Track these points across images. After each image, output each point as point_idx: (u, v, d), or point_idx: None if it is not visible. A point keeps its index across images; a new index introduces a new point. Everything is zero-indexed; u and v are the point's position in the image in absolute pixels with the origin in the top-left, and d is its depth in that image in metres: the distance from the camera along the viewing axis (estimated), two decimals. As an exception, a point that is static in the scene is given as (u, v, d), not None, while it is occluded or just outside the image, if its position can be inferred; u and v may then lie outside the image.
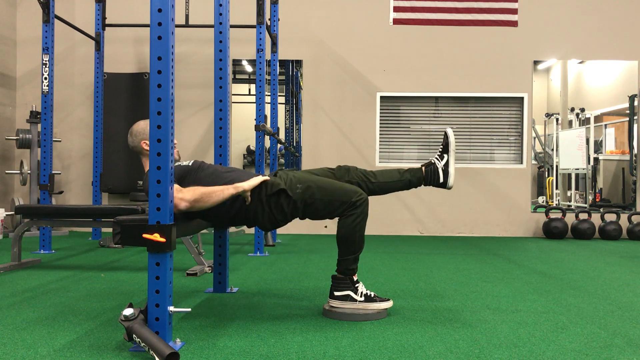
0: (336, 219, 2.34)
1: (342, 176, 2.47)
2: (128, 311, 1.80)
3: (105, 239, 4.78)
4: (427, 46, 6.36)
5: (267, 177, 2.33)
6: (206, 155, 6.21)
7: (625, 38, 6.33)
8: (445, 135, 2.47)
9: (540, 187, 8.11)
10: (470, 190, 6.29)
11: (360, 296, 2.30)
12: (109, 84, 6.00)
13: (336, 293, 2.31)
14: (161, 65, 1.79)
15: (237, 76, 7.20)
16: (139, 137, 2.45)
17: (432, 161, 2.47)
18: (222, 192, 2.19)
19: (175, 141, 2.49)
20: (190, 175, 2.33)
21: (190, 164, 2.39)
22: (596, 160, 7.42)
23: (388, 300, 2.34)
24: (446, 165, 2.43)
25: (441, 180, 2.43)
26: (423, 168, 2.47)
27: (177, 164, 2.40)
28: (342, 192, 2.28)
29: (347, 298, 2.30)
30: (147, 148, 2.42)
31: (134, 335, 1.76)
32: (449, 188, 2.46)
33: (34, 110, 5.53)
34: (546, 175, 8.19)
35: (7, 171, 5.88)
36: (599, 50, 6.39)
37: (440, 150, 2.48)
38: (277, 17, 5.17)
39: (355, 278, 2.33)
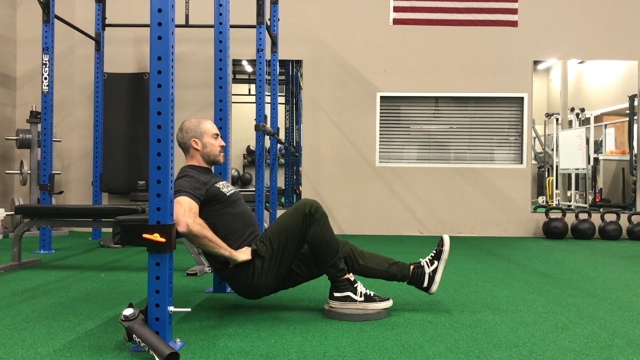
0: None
1: None
2: (128, 311, 1.80)
3: (105, 239, 4.78)
4: (427, 46, 6.36)
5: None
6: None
7: (625, 38, 6.33)
8: (441, 243, 2.46)
9: (540, 187, 8.11)
10: (470, 190, 6.29)
11: (360, 296, 2.30)
12: (109, 84, 6.00)
13: (336, 294, 2.31)
14: (161, 65, 1.79)
15: (237, 76, 7.20)
16: (190, 135, 2.41)
17: (422, 264, 2.45)
18: (218, 248, 2.18)
19: (223, 143, 2.48)
20: (218, 205, 2.31)
21: (228, 194, 2.36)
22: (596, 160, 7.42)
23: (388, 299, 2.35)
24: (434, 272, 2.43)
25: (425, 285, 2.43)
26: (411, 268, 2.45)
27: (219, 184, 2.36)
28: (294, 215, 2.28)
29: (347, 299, 2.30)
30: (196, 147, 2.41)
31: (134, 335, 1.76)
32: (431, 294, 2.46)
33: (34, 110, 5.53)
34: (546, 175, 8.19)
35: (7, 171, 5.88)
36: (599, 50, 6.39)
37: (432, 255, 2.46)
38: (277, 17, 5.17)
39: (352, 278, 2.33)
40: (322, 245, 2.28)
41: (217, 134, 2.47)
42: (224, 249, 2.19)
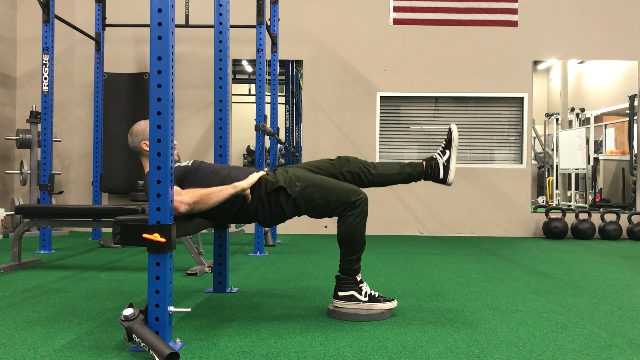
0: (335, 218, 2.33)
1: (342, 166, 2.46)
2: (128, 311, 1.80)
3: (105, 239, 4.78)
4: (427, 46, 6.36)
5: (263, 173, 2.33)
6: (206, 155, 6.21)
7: (625, 38, 6.33)
8: (449, 132, 2.44)
9: (540, 187, 8.11)
10: (470, 190, 6.29)
11: (365, 296, 2.30)
12: (109, 84, 6.00)
13: (340, 293, 2.31)
14: (161, 65, 1.79)
15: (237, 76, 7.20)
16: (139, 138, 2.43)
17: (434, 156, 2.44)
18: (221, 192, 2.19)
19: (175, 142, 2.50)
20: (189, 176, 2.33)
21: (189, 164, 2.39)
22: (596, 160, 7.42)
23: (392, 300, 2.34)
24: (448, 161, 2.41)
25: (441, 175, 2.41)
26: (424, 162, 2.45)
27: (176, 164, 2.39)
28: (341, 192, 2.28)
29: (351, 298, 2.30)
30: (147, 149, 2.41)
31: (134, 335, 1.76)
32: (449, 184, 2.44)
33: (34, 110, 5.53)
34: (546, 175, 8.19)
35: (7, 171, 5.88)
36: (599, 50, 6.38)
37: (443, 145, 2.45)
38: (277, 17, 5.17)
39: (359, 278, 2.33)
40: (349, 240, 2.27)
41: None
42: (226, 189, 2.20)
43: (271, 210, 2.31)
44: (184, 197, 2.12)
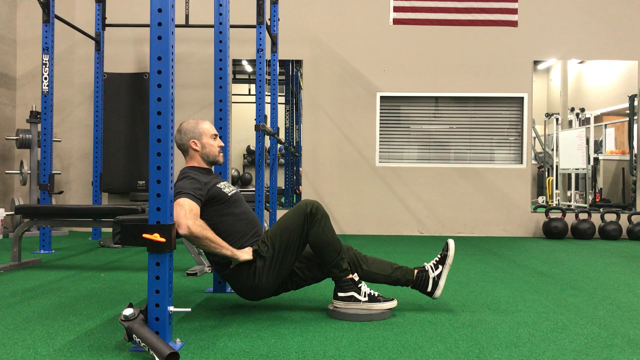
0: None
1: None
2: (128, 311, 1.80)
3: (105, 239, 4.78)
4: (427, 46, 6.36)
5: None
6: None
7: (625, 38, 6.33)
8: (446, 247, 2.45)
9: (540, 187, 8.11)
10: (470, 190, 6.29)
11: (364, 296, 2.30)
12: (109, 84, 6.00)
13: (340, 294, 2.31)
14: (161, 65, 1.79)
15: (237, 76, 7.20)
16: (189, 136, 2.41)
17: (426, 269, 2.44)
18: (220, 248, 2.18)
19: (222, 143, 2.48)
20: (220, 205, 2.31)
21: (229, 194, 2.36)
22: (596, 160, 7.42)
23: (392, 300, 2.34)
24: (438, 276, 2.42)
25: (429, 289, 2.42)
26: (415, 272, 2.44)
27: (221, 184, 2.37)
28: (295, 215, 2.29)
29: (351, 299, 2.30)
30: (196, 147, 2.40)
31: (134, 335, 1.76)
32: (434, 298, 2.45)
33: (34, 110, 5.53)
34: (546, 175, 8.19)
35: (7, 171, 5.87)
36: (599, 50, 6.38)
37: (437, 260, 2.45)
38: (277, 17, 5.17)
39: (356, 278, 2.33)
40: (324, 246, 2.28)
41: (216, 134, 2.46)
42: (226, 249, 2.19)
43: (250, 280, 2.26)
44: (193, 226, 2.09)
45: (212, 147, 2.43)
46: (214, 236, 2.16)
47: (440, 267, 2.43)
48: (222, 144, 2.49)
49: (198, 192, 2.20)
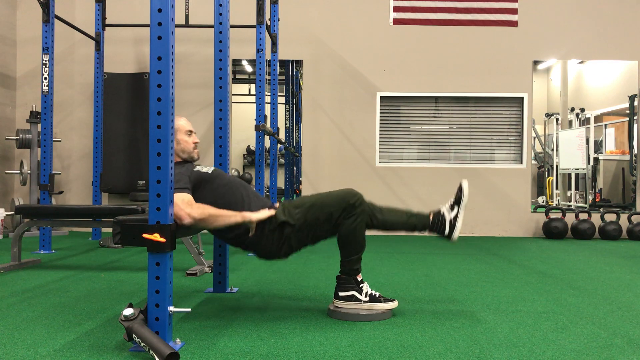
0: None
1: None
2: (128, 311, 1.80)
3: (105, 239, 4.78)
4: (427, 46, 6.36)
5: (273, 212, 2.30)
6: (206, 155, 6.21)
7: (625, 38, 6.33)
8: (460, 188, 2.42)
9: (540, 187, 8.11)
10: (470, 190, 6.24)
11: (365, 296, 2.30)
12: (109, 84, 6.00)
13: (341, 293, 2.31)
14: (161, 65, 1.79)
15: (237, 76, 7.20)
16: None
17: (442, 212, 2.41)
18: (229, 217, 2.18)
19: (197, 140, 2.50)
20: (208, 184, 2.32)
21: (209, 172, 2.38)
22: (596, 160, 7.42)
23: (393, 300, 2.34)
24: (455, 218, 2.39)
25: (446, 232, 2.38)
26: (431, 215, 2.42)
27: (196, 168, 2.39)
28: (338, 199, 2.28)
29: (352, 298, 2.30)
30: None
31: (134, 335, 1.76)
32: (453, 242, 2.41)
33: (34, 110, 5.53)
34: (546, 175, 8.19)
35: (7, 171, 5.87)
36: (599, 50, 6.38)
37: (452, 201, 2.42)
38: (277, 17, 5.17)
39: (359, 278, 2.33)
40: (349, 240, 2.27)
41: (191, 131, 2.49)
42: (235, 216, 2.20)
43: (277, 246, 2.28)
44: (193, 211, 2.10)
45: (187, 143, 2.45)
46: (217, 210, 2.17)
47: (456, 208, 2.40)
48: (197, 140, 2.51)
49: (182, 183, 2.21)
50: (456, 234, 2.38)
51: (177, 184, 2.18)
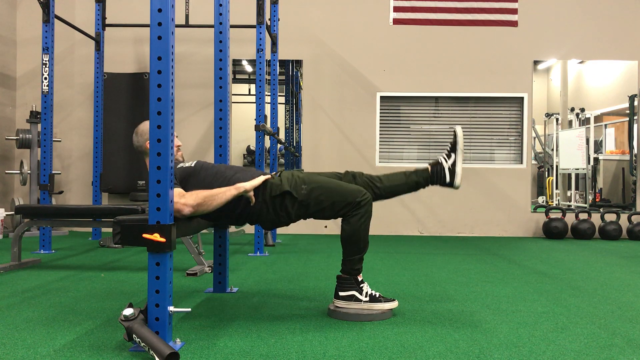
0: (338, 219, 2.33)
1: (349, 182, 2.46)
2: (128, 311, 1.80)
3: (105, 239, 4.78)
4: (427, 46, 6.36)
5: (268, 176, 2.33)
6: (206, 155, 6.21)
7: (625, 38, 6.33)
8: (455, 134, 2.42)
9: (540, 187, 8.11)
10: (470, 190, 6.29)
11: (365, 296, 2.30)
12: (109, 84, 6.00)
13: (341, 293, 2.31)
14: (161, 65, 1.79)
15: (237, 76, 7.20)
16: (145, 137, 2.45)
17: (439, 160, 2.41)
18: (224, 194, 2.19)
19: (179, 143, 2.51)
20: (193, 177, 2.33)
21: (192, 165, 2.39)
22: (596, 160, 7.42)
23: (393, 300, 2.34)
24: (453, 164, 2.39)
25: (447, 179, 2.39)
26: (429, 167, 2.43)
27: (179, 165, 2.40)
28: (346, 192, 2.28)
29: (352, 298, 2.29)
30: None
31: (134, 335, 1.76)
32: (456, 187, 2.40)
33: (34, 110, 5.53)
34: (546, 175, 8.19)
35: (7, 171, 5.87)
36: (599, 50, 6.39)
37: (448, 149, 2.42)
38: (277, 17, 5.17)
39: (360, 278, 2.33)
40: (353, 240, 2.27)
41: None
42: (229, 190, 2.20)
43: (276, 214, 2.31)
44: (187, 200, 2.11)
45: None
46: (210, 191, 2.17)
47: (452, 155, 2.40)
48: (180, 143, 2.53)
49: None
50: (458, 179, 2.38)
51: None
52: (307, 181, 2.31)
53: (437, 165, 2.41)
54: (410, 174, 2.43)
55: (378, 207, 6.43)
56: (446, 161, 2.40)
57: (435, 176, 2.40)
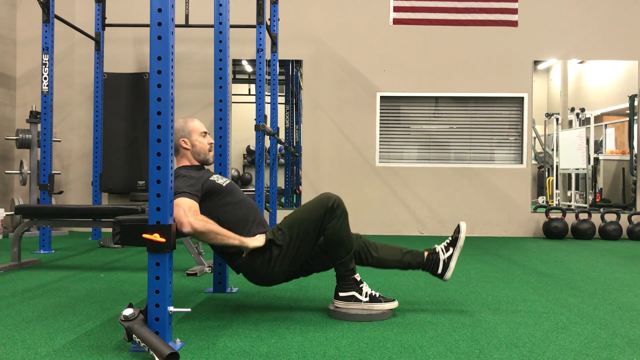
0: None
1: None
2: (128, 311, 1.80)
3: (105, 239, 4.78)
4: (427, 46, 6.36)
5: (269, 236, 2.31)
6: (206, 155, 6.20)
7: (625, 38, 6.33)
8: (457, 230, 2.43)
9: (540, 187, 8.11)
10: (470, 190, 6.29)
11: (365, 296, 2.30)
12: (109, 84, 6.00)
13: (341, 294, 2.31)
14: (161, 65, 1.79)
15: (237, 76, 7.20)
16: (178, 135, 2.42)
17: (437, 250, 2.43)
18: (227, 239, 2.18)
19: (211, 140, 2.49)
20: (217, 197, 2.32)
21: (224, 185, 2.38)
22: (596, 160, 7.42)
23: (393, 300, 2.34)
24: (449, 259, 2.41)
25: (439, 271, 2.41)
26: (425, 254, 2.44)
27: (213, 177, 2.39)
28: (316, 207, 2.28)
29: (352, 299, 2.30)
30: (186, 146, 2.42)
31: (133, 335, 1.76)
32: (444, 281, 2.44)
33: (34, 110, 5.53)
34: (546, 175, 8.19)
35: (7, 171, 5.87)
36: (599, 50, 6.38)
37: (448, 242, 2.44)
38: (277, 17, 5.17)
39: (358, 278, 2.33)
40: (337, 242, 2.28)
41: (206, 132, 2.48)
42: (234, 238, 2.19)
43: (264, 267, 2.27)
44: (195, 222, 2.09)
45: (202, 144, 2.45)
46: (218, 228, 2.16)
47: (451, 249, 2.42)
48: (212, 141, 2.51)
49: (194, 189, 2.20)
50: (448, 274, 2.41)
51: (189, 188, 2.18)
52: (280, 224, 2.31)
53: (433, 255, 2.43)
54: (406, 253, 2.45)
55: (378, 207, 6.41)
56: (444, 253, 2.42)
57: (429, 264, 2.42)
